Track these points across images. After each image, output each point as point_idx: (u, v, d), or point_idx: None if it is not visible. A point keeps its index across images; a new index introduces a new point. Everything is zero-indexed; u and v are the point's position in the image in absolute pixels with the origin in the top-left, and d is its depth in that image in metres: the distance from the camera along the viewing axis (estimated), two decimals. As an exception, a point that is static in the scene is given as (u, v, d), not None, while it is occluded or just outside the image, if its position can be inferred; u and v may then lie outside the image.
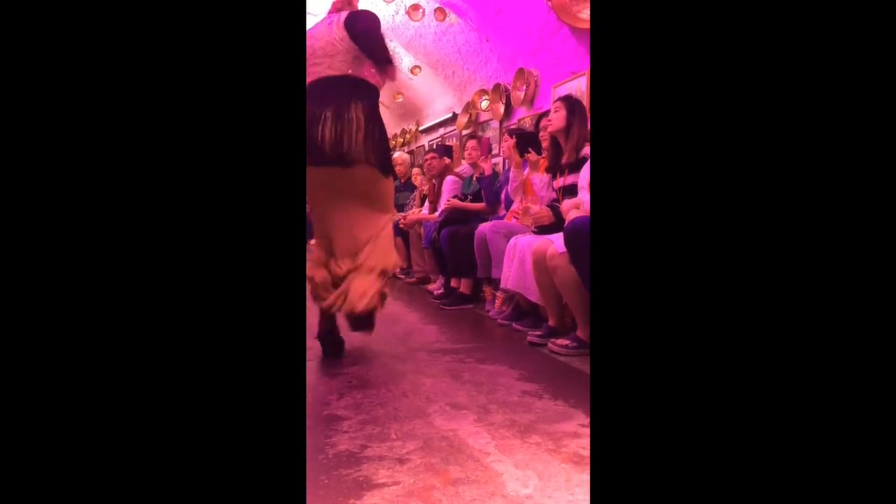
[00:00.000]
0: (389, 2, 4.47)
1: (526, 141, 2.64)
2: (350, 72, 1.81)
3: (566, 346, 1.90)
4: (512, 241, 2.36)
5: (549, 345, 1.95)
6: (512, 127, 3.98)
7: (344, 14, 1.83)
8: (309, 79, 1.80)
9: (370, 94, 1.84)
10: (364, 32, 1.80)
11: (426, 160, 3.85)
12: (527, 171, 2.60)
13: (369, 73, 1.85)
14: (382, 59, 1.83)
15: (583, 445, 1.13)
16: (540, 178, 2.48)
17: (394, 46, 5.22)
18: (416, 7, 4.58)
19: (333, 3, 1.94)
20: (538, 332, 2.09)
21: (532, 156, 2.49)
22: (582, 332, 1.91)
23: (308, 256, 1.95)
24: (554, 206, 2.26)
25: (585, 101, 2.68)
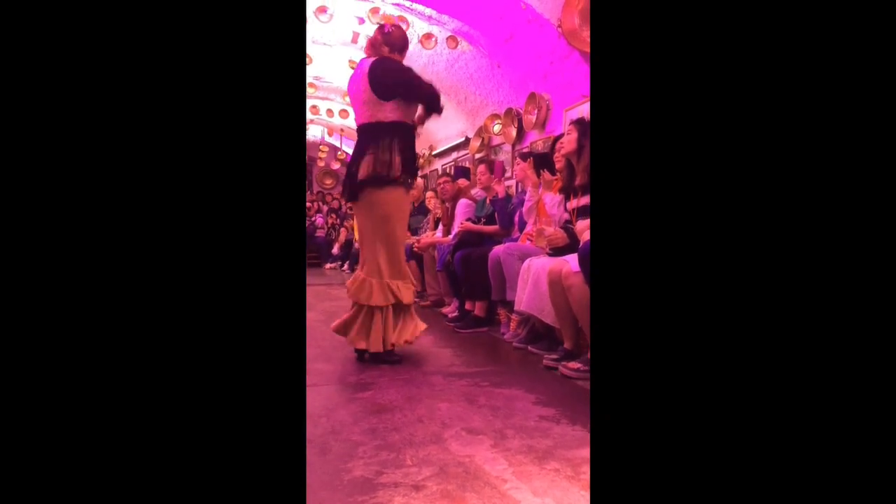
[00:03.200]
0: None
1: (541, 162, 2.66)
2: (378, 118, 2.04)
3: (578, 370, 1.87)
4: (526, 262, 2.35)
5: (561, 368, 1.93)
6: (524, 150, 4.01)
7: (368, 62, 2.04)
8: (357, 122, 2.11)
9: (400, 133, 2.06)
10: (393, 83, 2.02)
11: (439, 184, 3.89)
12: (540, 190, 2.62)
13: (395, 114, 2.05)
14: (426, 101, 2.09)
15: (602, 472, 1.10)
16: (551, 198, 2.49)
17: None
18: (428, 36, 4.69)
19: (365, 49, 2.15)
20: (553, 356, 2.06)
21: (546, 175, 2.51)
22: None
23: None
24: (568, 228, 2.26)
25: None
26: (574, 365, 1.90)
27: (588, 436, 1.32)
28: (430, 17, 4.34)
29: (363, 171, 2.02)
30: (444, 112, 2.28)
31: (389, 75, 2.01)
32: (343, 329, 2.14)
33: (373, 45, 2.10)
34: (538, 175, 2.62)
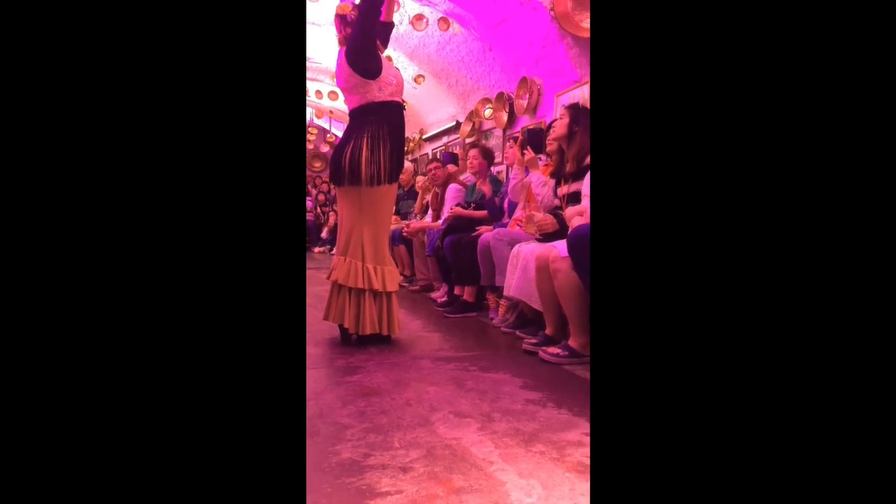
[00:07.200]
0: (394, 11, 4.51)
1: (529, 138, 2.63)
2: (367, 100, 2.05)
3: (557, 355, 1.89)
4: (515, 248, 2.36)
5: (540, 353, 1.95)
6: (515, 135, 4.00)
7: (342, 51, 2.07)
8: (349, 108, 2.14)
9: (390, 112, 2.08)
10: (350, 52, 2.03)
11: (430, 170, 3.87)
12: (528, 170, 2.60)
13: (383, 93, 2.05)
14: (359, 69, 2.03)
15: (587, 454, 1.12)
16: (538, 177, 2.47)
17: (398, 56, 5.26)
18: (419, 17, 4.62)
19: (339, 41, 2.14)
20: (534, 340, 2.08)
21: (529, 153, 2.50)
22: (574, 342, 1.90)
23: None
24: (557, 214, 2.27)
25: (588, 110, 2.68)
26: (552, 350, 1.92)
27: (573, 419, 1.34)
28: (421, -2, 4.27)
29: (358, 170, 2.02)
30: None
31: (352, 43, 2.04)
32: (337, 316, 2.13)
33: (343, 39, 2.12)
34: (522, 153, 2.61)
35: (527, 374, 1.76)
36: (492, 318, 2.70)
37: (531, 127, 3.14)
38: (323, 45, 5.59)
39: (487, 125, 5.05)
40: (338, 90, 6.84)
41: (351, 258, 2.09)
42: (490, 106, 4.84)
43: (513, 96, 4.39)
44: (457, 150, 5.14)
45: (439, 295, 3.36)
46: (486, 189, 3.17)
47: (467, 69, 5.02)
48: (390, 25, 2.26)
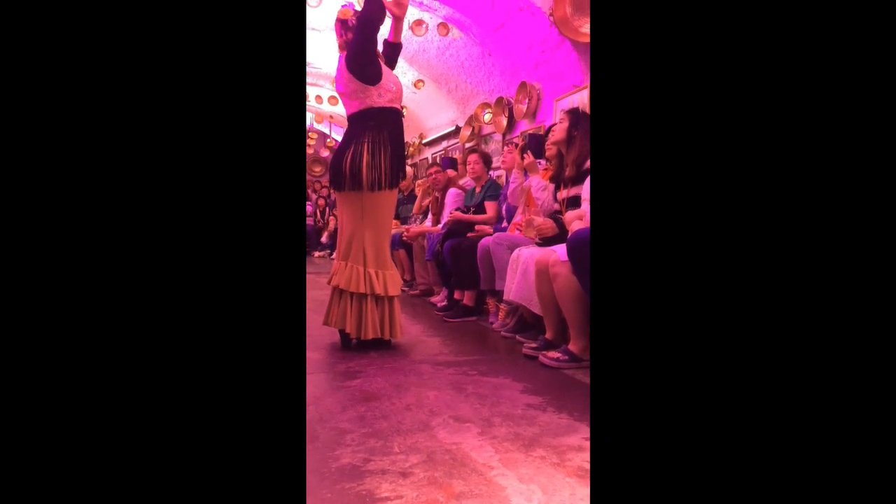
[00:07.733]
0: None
1: (530, 144, 2.64)
2: (367, 105, 2.05)
3: (557, 360, 1.89)
4: (515, 252, 2.36)
5: (540, 357, 1.94)
6: (514, 140, 4.01)
7: (343, 56, 2.07)
8: (348, 112, 2.14)
9: (390, 119, 2.07)
10: (350, 57, 2.02)
11: (430, 174, 3.88)
12: (528, 175, 2.61)
13: (383, 99, 2.05)
14: (359, 74, 2.02)
15: (587, 459, 1.11)
16: (538, 181, 2.48)
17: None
18: (419, 22, 4.64)
19: (339, 46, 2.14)
20: (533, 345, 2.08)
21: (528, 157, 2.50)
22: (574, 346, 1.90)
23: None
24: (557, 218, 2.27)
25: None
26: (552, 354, 1.92)
27: (574, 423, 1.34)
28: (421, 3, 4.28)
29: (359, 175, 2.02)
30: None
31: (353, 48, 2.04)
32: (337, 321, 2.13)
33: (344, 43, 2.11)
34: (522, 157, 2.62)
35: (527, 378, 1.75)
36: (492, 323, 2.69)
37: (532, 132, 3.15)
38: (323, 50, 5.61)
39: (487, 130, 5.06)
40: (337, 95, 6.84)
41: (352, 263, 2.09)
42: (489, 110, 4.86)
43: (512, 101, 4.40)
44: (456, 155, 5.15)
45: (439, 299, 3.35)
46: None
47: (467, 74, 5.04)
48: (398, 47, 2.19)
